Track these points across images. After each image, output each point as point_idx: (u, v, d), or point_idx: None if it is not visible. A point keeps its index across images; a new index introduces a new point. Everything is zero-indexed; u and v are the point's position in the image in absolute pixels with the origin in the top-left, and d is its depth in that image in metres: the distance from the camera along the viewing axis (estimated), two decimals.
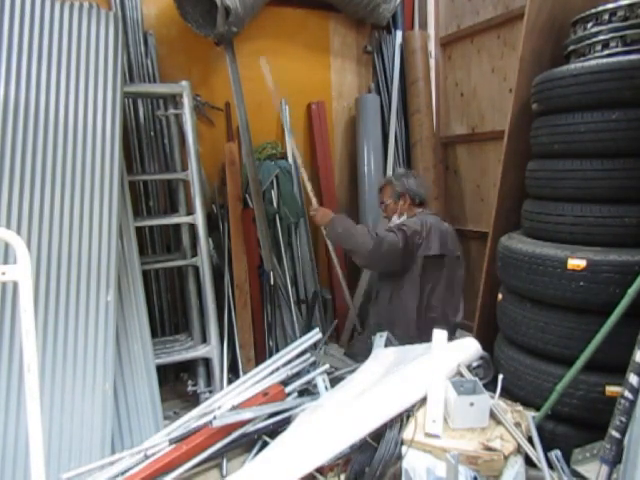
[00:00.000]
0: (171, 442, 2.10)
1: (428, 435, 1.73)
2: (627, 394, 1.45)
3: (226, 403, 2.27)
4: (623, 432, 1.46)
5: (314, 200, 2.87)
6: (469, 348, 2.18)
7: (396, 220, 2.76)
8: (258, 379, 2.41)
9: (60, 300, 2.08)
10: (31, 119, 2.11)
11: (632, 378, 1.44)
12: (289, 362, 2.51)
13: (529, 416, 1.84)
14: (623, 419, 1.46)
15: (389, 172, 3.52)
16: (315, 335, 2.61)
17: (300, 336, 2.99)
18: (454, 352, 2.12)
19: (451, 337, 2.60)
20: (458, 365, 2.05)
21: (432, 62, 3.66)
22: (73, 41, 2.23)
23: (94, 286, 2.15)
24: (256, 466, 1.87)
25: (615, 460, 1.48)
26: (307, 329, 2.97)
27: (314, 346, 2.68)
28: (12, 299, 1.97)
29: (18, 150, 2.07)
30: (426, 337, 2.23)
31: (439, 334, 2.17)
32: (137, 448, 2.11)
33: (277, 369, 2.47)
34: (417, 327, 2.62)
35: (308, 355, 2.57)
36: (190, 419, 2.23)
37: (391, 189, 2.78)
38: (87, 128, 2.22)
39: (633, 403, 1.44)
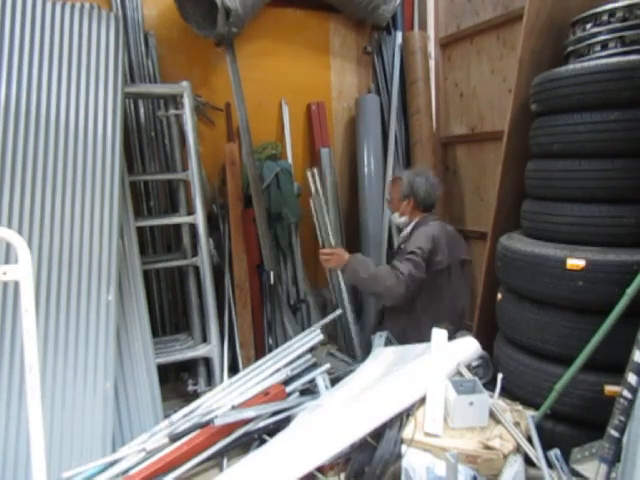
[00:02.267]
0: (171, 439, 2.11)
1: (428, 434, 1.73)
2: (626, 393, 1.46)
3: (227, 403, 2.27)
4: (622, 431, 1.47)
5: (332, 240, 2.83)
6: (469, 348, 2.19)
7: (397, 218, 2.72)
8: (258, 380, 2.41)
9: (61, 300, 2.09)
10: (32, 120, 2.11)
11: (631, 377, 1.45)
12: (290, 363, 2.51)
13: (528, 415, 1.85)
14: (622, 418, 1.46)
15: (389, 172, 3.52)
16: (315, 337, 2.61)
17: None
18: (454, 352, 2.12)
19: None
20: (458, 365, 2.05)
21: (432, 63, 3.67)
22: (74, 42, 2.24)
23: (95, 286, 2.16)
24: (255, 464, 1.88)
25: (614, 459, 1.49)
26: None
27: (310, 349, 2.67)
28: (13, 299, 1.98)
29: (19, 151, 2.08)
30: None
31: (439, 334, 2.17)
32: (136, 441, 2.11)
33: (278, 370, 2.47)
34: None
35: (309, 356, 2.57)
36: (189, 413, 2.24)
37: (399, 186, 2.69)
38: (88, 129, 2.23)
39: (632, 402, 1.44)
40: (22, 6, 2.14)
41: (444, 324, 2.33)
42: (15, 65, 2.10)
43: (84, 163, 2.20)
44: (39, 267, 2.05)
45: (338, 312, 2.77)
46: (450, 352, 2.10)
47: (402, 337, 2.55)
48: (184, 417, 2.24)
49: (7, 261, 1.98)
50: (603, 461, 1.51)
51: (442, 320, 2.43)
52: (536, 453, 1.68)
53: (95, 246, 2.17)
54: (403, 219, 2.70)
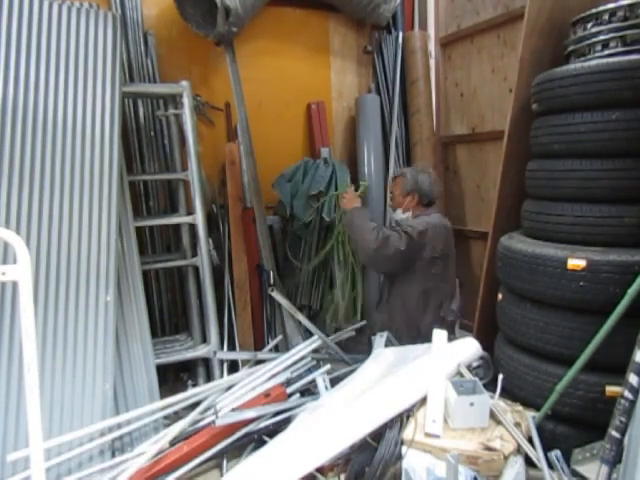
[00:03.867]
0: (172, 444, 2.10)
1: (428, 435, 1.73)
2: (627, 394, 1.45)
3: (228, 405, 2.27)
4: (623, 432, 1.46)
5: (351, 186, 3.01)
6: (469, 348, 2.18)
7: (400, 214, 2.74)
8: (259, 383, 2.40)
9: (59, 300, 2.08)
10: (29, 119, 2.10)
11: (632, 378, 1.44)
12: (291, 365, 2.50)
13: (529, 416, 1.84)
14: (623, 419, 1.46)
15: (389, 172, 3.52)
16: (314, 342, 2.60)
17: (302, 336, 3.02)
18: (454, 352, 2.12)
19: (450, 336, 2.61)
20: (458, 365, 2.05)
21: (432, 62, 3.66)
22: (71, 41, 2.22)
23: (93, 286, 2.15)
24: (255, 465, 1.87)
25: (615, 460, 1.48)
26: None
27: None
28: (12, 299, 1.97)
29: (17, 150, 2.07)
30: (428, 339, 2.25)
31: (439, 334, 2.17)
32: (137, 451, 2.10)
33: (278, 373, 2.46)
34: (418, 328, 2.61)
35: (309, 359, 2.57)
36: (191, 420, 2.23)
37: (402, 183, 2.73)
38: (86, 128, 2.21)
39: (633, 403, 1.44)
40: (19, 6, 2.12)
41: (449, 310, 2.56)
42: (12, 64, 2.09)
43: (82, 162, 2.19)
44: (37, 267, 2.04)
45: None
46: (450, 353, 2.10)
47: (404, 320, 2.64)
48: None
49: (5, 261, 1.97)
50: (604, 462, 1.50)
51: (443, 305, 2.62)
52: (537, 454, 1.67)
53: (93, 246, 2.17)
54: (406, 214, 2.72)
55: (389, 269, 2.65)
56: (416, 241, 2.49)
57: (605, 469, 1.50)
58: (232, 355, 2.76)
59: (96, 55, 2.27)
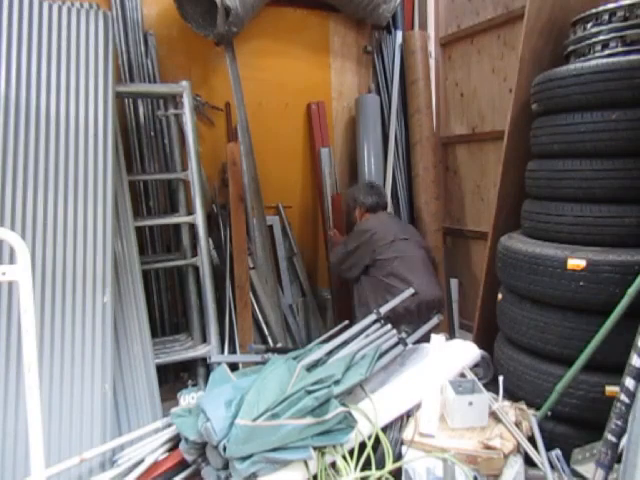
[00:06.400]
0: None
1: (423, 435, 1.73)
2: (623, 397, 1.45)
3: None
4: (619, 436, 1.46)
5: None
6: (468, 351, 2.18)
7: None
8: None
9: (56, 302, 2.05)
10: (22, 117, 2.08)
11: (628, 382, 1.44)
12: None
13: (531, 415, 1.85)
14: (619, 422, 1.45)
15: (389, 172, 3.52)
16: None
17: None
18: (452, 353, 2.12)
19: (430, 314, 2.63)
20: (458, 366, 2.05)
21: (432, 62, 3.66)
22: (63, 40, 2.20)
23: (90, 287, 2.12)
24: None
25: (611, 464, 1.48)
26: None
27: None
28: (7, 300, 1.95)
29: (9, 147, 2.04)
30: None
31: (436, 338, 2.17)
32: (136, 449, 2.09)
33: None
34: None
35: None
36: None
37: (348, 205, 3.22)
38: (79, 126, 2.19)
39: (629, 407, 1.43)
40: (9, 5, 2.12)
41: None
42: (3, 61, 2.08)
43: (76, 160, 2.16)
44: (33, 269, 1.99)
45: None
46: (449, 354, 2.10)
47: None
48: None
49: (1, 261, 1.96)
50: (600, 466, 1.50)
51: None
52: (538, 454, 1.67)
53: (89, 247, 2.14)
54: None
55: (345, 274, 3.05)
56: (355, 245, 2.88)
57: (601, 473, 1.49)
58: (229, 358, 2.72)
59: (87, 52, 2.25)
